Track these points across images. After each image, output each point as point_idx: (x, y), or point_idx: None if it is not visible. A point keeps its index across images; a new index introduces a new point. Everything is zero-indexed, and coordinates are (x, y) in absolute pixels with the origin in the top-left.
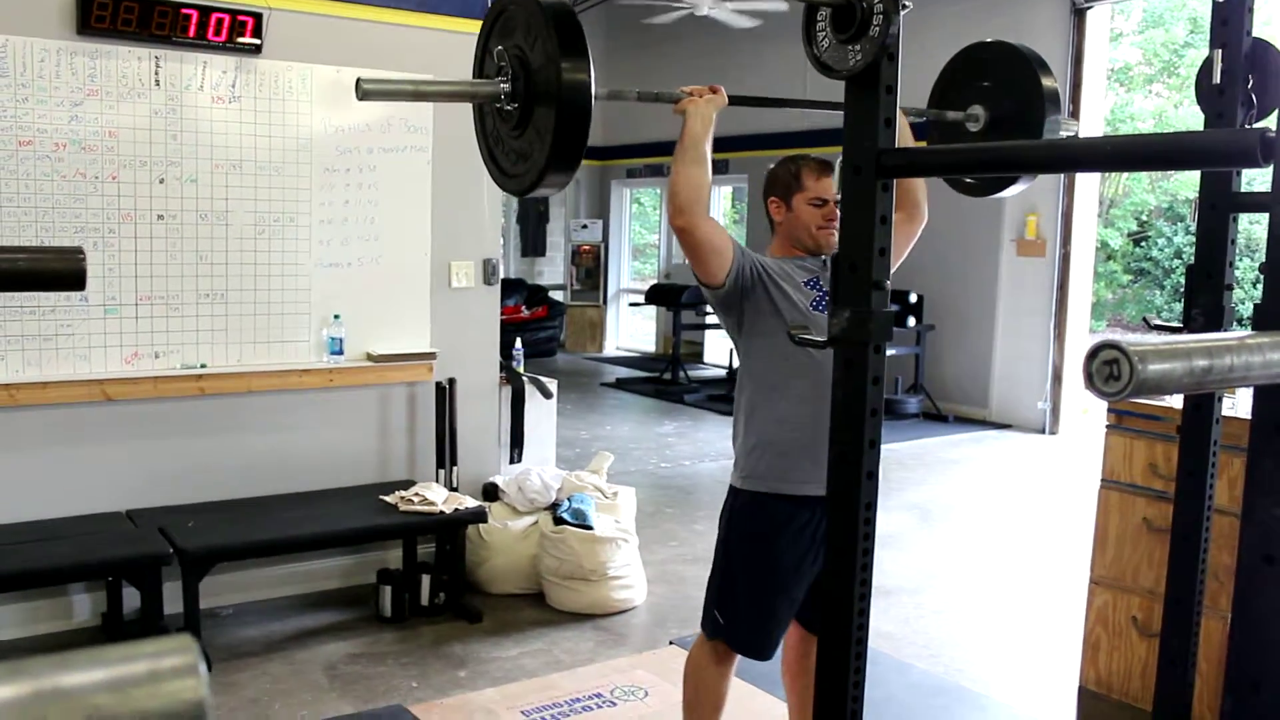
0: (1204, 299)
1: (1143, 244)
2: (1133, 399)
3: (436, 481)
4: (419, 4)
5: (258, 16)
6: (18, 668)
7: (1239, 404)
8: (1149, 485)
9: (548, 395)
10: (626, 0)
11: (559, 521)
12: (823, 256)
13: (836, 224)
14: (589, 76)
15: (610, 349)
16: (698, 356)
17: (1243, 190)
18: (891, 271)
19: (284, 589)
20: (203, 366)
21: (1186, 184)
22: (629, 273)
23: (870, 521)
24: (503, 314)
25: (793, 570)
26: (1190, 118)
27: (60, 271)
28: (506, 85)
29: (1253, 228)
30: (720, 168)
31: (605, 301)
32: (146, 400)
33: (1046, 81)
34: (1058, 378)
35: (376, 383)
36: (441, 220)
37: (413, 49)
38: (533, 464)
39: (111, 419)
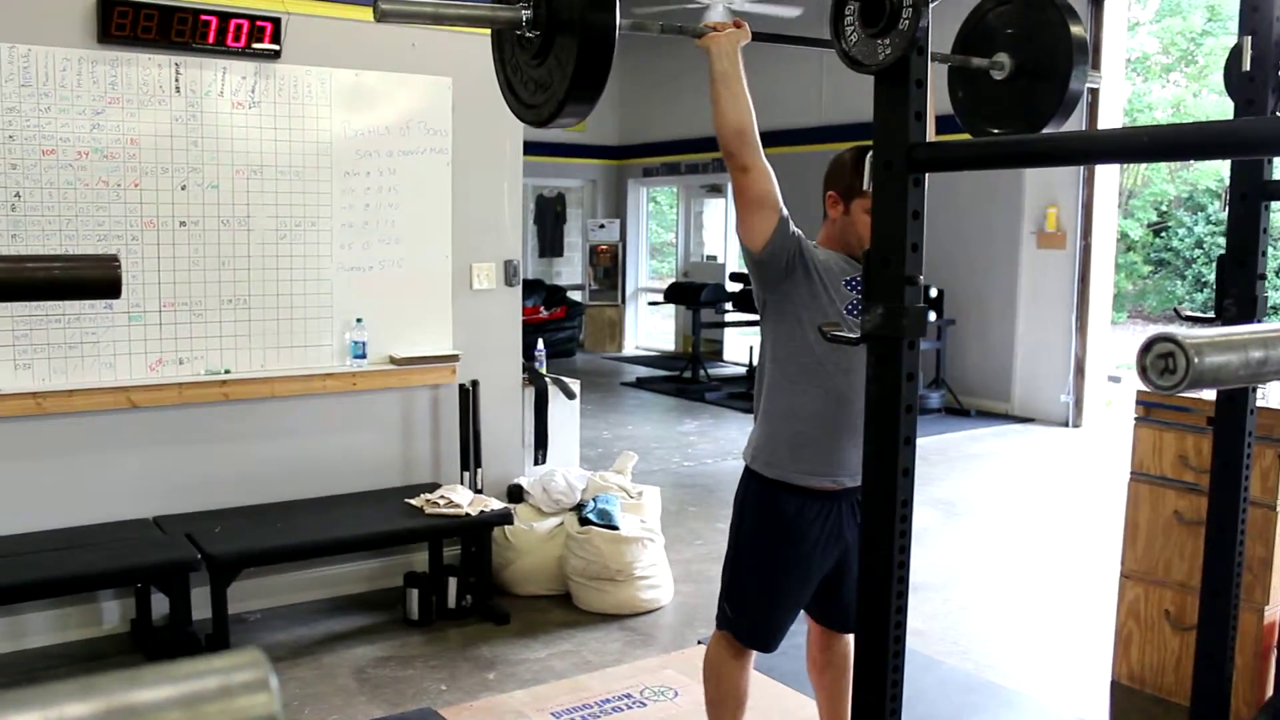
0: (1237, 289)
1: (1163, 234)
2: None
3: (461, 484)
4: None
5: (276, 21)
6: (89, 685)
7: (1270, 395)
8: (1179, 478)
9: (570, 396)
10: None
11: (584, 522)
12: None
13: None
14: (613, 3)
15: (629, 348)
16: (718, 354)
17: (1274, 179)
18: None
19: (311, 593)
20: (226, 372)
21: (1207, 174)
22: (647, 271)
23: (906, 519)
24: (522, 315)
25: (802, 562)
26: (1210, 106)
27: (96, 279)
28: (528, 11)
29: (1274, 216)
30: None
31: (624, 301)
32: (171, 407)
33: (1075, 29)
34: (1080, 370)
35: (400, 386)
36: (462, 222)
37: (430, 52)
38: (557, 465)
39: (137, 426)
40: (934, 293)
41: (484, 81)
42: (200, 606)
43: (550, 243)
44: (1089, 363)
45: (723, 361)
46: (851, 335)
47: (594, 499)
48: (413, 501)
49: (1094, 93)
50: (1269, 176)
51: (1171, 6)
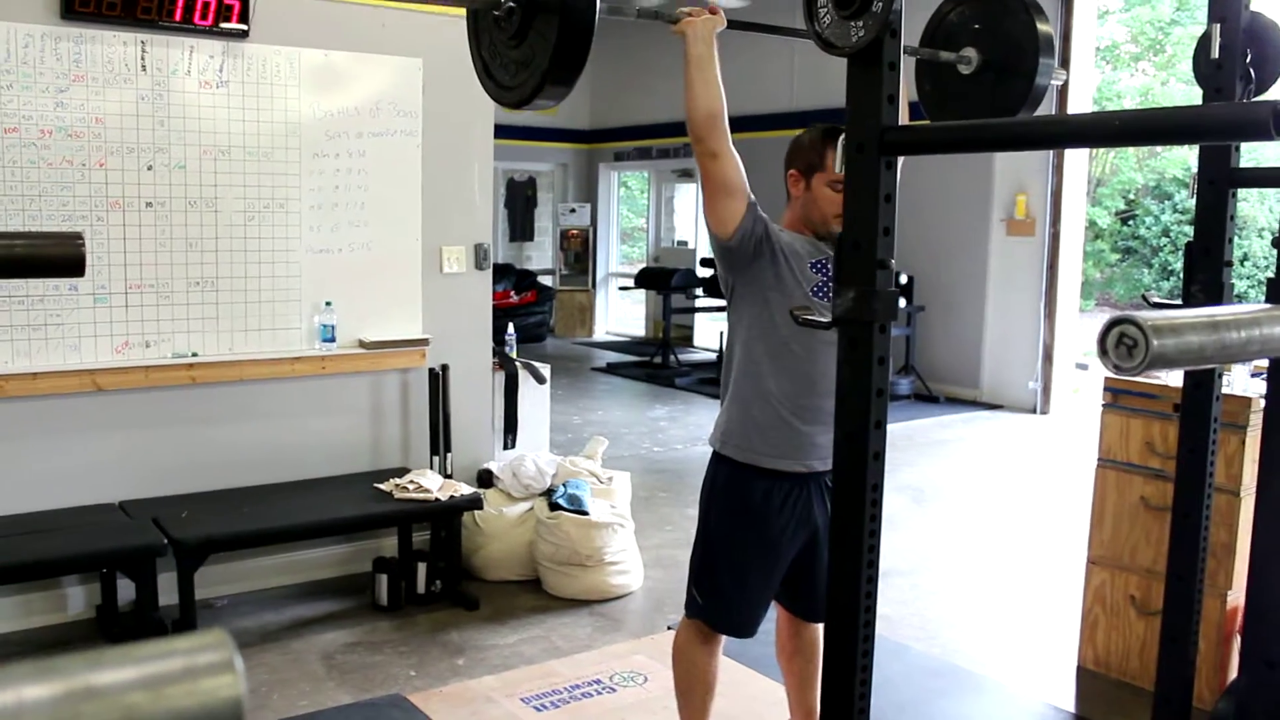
0: (1203, 275)
1: (1130, 222)
2: (1147, 373)
3: (431, 468)
4: None
5: (244, 0)
6: (48, 667)
7: (1234, 382)
8: (1146, 464)
9: (541, 380)
10: None
11: (554, 507)
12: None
13: None
14: None
15: (600, 333)
16: (688, 340)
17: (1241, 166)
18: None
19: (279, 579)
20: (194, 355)
21: (1174, 162)
22: (618, 256)
23: (877, 503)
24: (493, 299)
25: (771, 546)
26: (1178, 94)
27: (59, 257)
28: None
29: (1241, 205)
30: None
31: (594, 286)
32: (138, 390)
33: (1041, 26)
34: (1048, 357)
35: (369, 370)
36: (432, 205)
37: (401, 33)
38: (527, 450)
39: (103, 409)
40: (904, 279)
41: (455, 63)
42: (167, 592)
43: (521, 227)
44: (1057, 350)
45: (693, 347)
46: (823, 319)
47: (564, 484)
48: (382, 486)
49: (1064, 83)
50: (1236, 164)
51: None
